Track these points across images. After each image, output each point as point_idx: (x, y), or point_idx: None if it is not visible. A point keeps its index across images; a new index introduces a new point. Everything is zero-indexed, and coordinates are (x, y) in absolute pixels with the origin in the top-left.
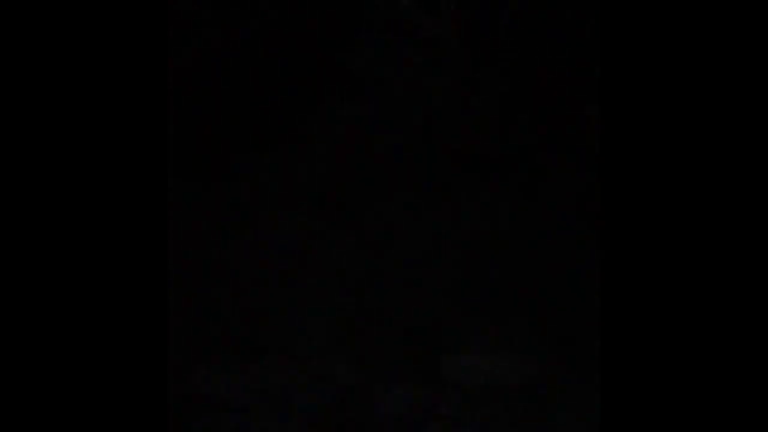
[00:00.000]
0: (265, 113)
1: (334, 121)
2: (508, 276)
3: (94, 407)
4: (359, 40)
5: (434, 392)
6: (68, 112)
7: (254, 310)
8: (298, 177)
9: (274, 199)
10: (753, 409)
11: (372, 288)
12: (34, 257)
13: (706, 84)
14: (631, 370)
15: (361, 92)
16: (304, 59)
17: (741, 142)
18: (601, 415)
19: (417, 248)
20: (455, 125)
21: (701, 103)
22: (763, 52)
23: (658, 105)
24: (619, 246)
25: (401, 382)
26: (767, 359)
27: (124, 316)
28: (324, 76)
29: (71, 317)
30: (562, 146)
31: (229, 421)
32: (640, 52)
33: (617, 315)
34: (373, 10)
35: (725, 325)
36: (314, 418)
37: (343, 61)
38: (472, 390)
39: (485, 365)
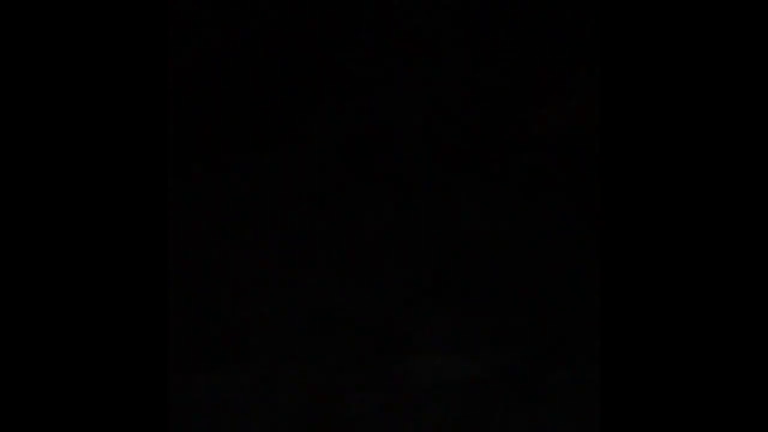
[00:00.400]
0: (265, 113)
1: (334, 121)
2: (505, 276)
3: (92, 407)
4: (359, 40)
5: (403, 394)
6: (68, 111)
7: (251, 310)
8: (298, 177)
9: (275, 199)
10: (753, 409)
11: (371, 288)
12: (32, 257)
13: (707, 84)
14: (630, 370)
15: (361, 92)
16: (304, 59)
17: (742, 143)
18: (601, 416)
19: (417, 248)
20: (455, 125)
21: (702, 103)
22: (764, 52)
23: (659, 105)
24: (618, 246)
25: (368, 386)
26: (767, 359)
27: (123, 316)
28: (324, 76)
29: (70, 316)
30: (562, 146)
31: (196, 424)
32: (640, 52)
33: (616, 315)
34: (373, 10)
35: (725, 325)
36: (276, 422)
37: (343, 61)
38: (445, 390)
39: (470, 364)
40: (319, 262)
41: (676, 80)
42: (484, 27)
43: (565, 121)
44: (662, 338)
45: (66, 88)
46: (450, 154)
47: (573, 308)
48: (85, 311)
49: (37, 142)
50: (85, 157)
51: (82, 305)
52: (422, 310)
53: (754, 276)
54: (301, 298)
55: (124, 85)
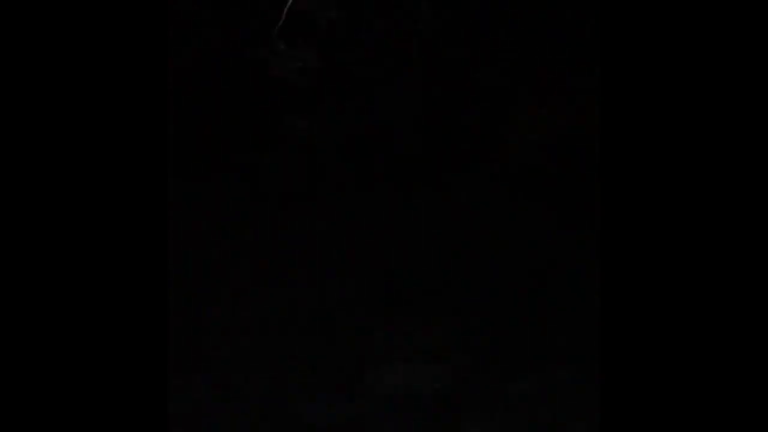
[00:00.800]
0: (265, 113)
1: (335, 121)
2: (505, 276)
3: (93, 407)
4: (359, 40)
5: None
6: (69, 111)
7: (251, 311)
8: (298, 177)
9: (274, 198)
10: (753, 408)
11: (371, 288)
12: (33, 256)
13: (706, 84)
14: (630, 369)
15: (361, 93)
16: (303, 59)
17: (741, 143)
18: (601, 416)
19: (416, 247)
20: (455, 125)
21: (701, 104)
22: (764, 52)
23: (658, 105)
24: (618, 246)
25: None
26: (767, 359)
27: (123, 316)
28: (324, 76)
29: (70, 316)
30: (562, 146)
31: None
32: (640, 52)
33: (616, 315)
34: (373, 10)
35: (725, 325)
36: (276, 421)
37: (343, 61)
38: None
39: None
40: (317, 261)
41: (675, 81)
42: (484, 27)
43: (565, 121)
44: (662, 338)
45: (66, 88)
46: (450, 154)
47: (573, 308)
48: (85, 311)
49: (37, 142)
50: (86, 157)
51: (82, 305)
52: (421, 309)
53: (753, 276)
54: (300, 298)
55: (125, 85)
